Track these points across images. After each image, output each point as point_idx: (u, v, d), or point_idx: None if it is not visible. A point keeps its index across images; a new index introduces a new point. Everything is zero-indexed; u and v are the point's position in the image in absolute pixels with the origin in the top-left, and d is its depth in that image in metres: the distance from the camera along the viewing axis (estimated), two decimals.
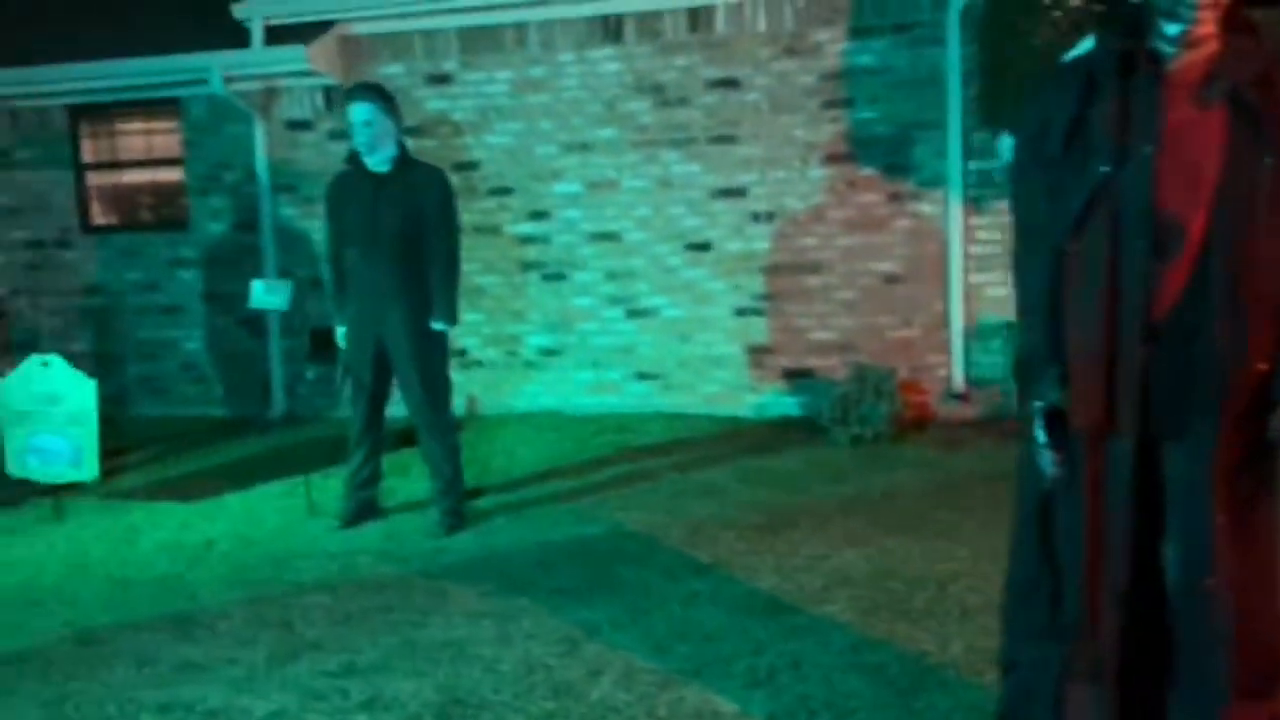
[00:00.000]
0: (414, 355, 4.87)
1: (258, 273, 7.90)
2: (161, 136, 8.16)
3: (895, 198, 6.88)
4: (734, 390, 7.25)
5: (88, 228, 8.34)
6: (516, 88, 7.42)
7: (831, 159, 6.94)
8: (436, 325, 4.93)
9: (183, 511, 5.44)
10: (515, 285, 7.60)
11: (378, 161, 4.86)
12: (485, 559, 4.46)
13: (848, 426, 6.10)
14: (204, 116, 7.95)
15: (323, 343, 7.86)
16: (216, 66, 7.32)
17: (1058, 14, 5.30)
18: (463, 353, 7.70)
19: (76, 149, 8.27)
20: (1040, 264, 2.22)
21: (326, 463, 6.01)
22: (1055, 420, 2.22)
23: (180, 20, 8.09)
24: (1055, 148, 2.16)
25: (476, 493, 5.44)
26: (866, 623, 3.56)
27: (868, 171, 6.90)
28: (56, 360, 5.31)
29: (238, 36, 7.57)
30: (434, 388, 4.95)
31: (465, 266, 7.41)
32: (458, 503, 4.99)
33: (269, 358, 8.00)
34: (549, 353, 7.59)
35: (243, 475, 6.16)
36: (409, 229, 4.84)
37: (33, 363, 5.38)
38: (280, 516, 5.30)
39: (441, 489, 4.96)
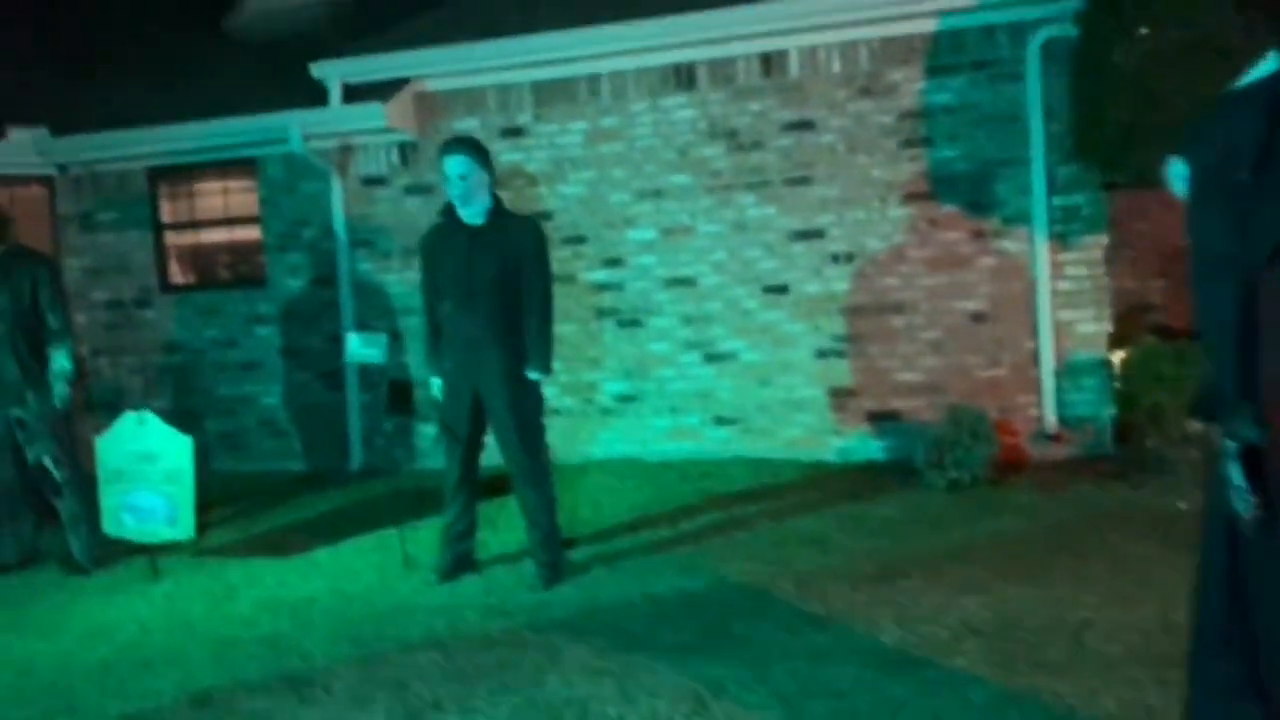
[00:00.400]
0: (510, 404, 4.84)
1: (336, 327, 7.98)
2: (239, 196, 8.27)
3: (978, 235, 6.78)
4: (817, 434, 7.14)
5: (166, 287, 8.46)
6: (590, 138, 7.45)
7: (911, 198, 6.87)
8: (532, 374, 4.90)
9: (277, 568, 5.42)
10: (591, 333, 7.58)
11: (472, 214, 4.86)
12: (592, 612, 4.38)
13: (944, 470, 5.96)
14: (281, 175, 8.06)
15: (401, 395, 7.92)
16: (295, 125, 7.42)
17: (1150, 44, 5.21)
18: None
19: (156, 210, 8.42)
20: (1227, 295, 2.12)
21: (413, 515, 6.00)
22: (1253, 460, 2.10)
23: (256, 81, 8.25)
24: (1244, 174, 2.07)
25: (570, 543, 5.37)
26: (1003, 676, 3.42)
27: (949, 209, 6.82)
28: (151, 418, 5.33)
29: (312, 95, 7.69)
30: (530, 437, 4.91)
31: None
32: (556, 554, 4.92)
33: (347, 411, 8.03)
34: (626, 399, 7.54)
35: (331, 529, 6.14)
36: (504, 279, 4.83)
37: (128, 420, 5.41)
38: (375, 571, 5.26)
39: (539, 540, 4.89)
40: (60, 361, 5.45)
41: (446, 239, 4.92)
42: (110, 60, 8.90)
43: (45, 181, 8.46)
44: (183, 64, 8.76)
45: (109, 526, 5.50)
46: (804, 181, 7.04)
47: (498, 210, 4.92)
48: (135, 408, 5.61)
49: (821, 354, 7.10)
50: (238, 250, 8.40)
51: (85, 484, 5.64)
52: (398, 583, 5.06)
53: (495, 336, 4.83)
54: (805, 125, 7.02)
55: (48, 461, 5.53)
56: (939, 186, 6.82)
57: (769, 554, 5.03)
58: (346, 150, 7.86)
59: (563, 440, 7.56)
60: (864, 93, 6.91)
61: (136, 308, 8.50)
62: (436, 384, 5.04)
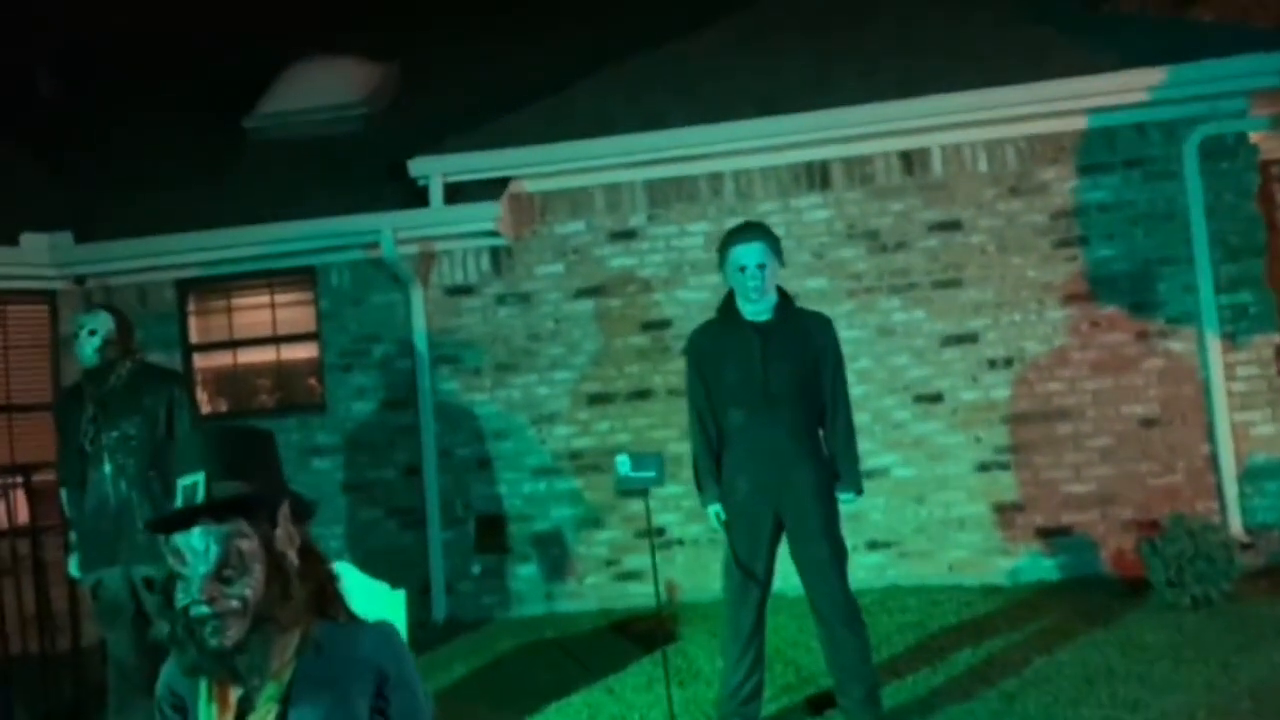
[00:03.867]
0: (825, 529, 4.09)
1: (412, 457, 6.98)
2: (290, 310, 7.25)
3: (1143, 336, 6.50)
4: (982, 555, 6.57)
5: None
6: (712, 240, 6.85)
7: (1070, 299, 6.55)
8: (845, 496, 4.18)
9: None
10: None
11: (760, 310, 4.18)
12: None
13: (1184, 588, 5.46)
14: (347, 285, 7.11)
15: (492, 530, 6.94)
16: (388, 227, 6.54)
17: None
18: (661, 532, 6.85)
19: (185, 328, 7.28)
20: None
21: (585, 673, 5.08)
22: None
23: (303, 183, 7.35)
24: None
25: (828, 700, 4.54)
26: None
27: (1110, 310, 6.53)
28: (349, 568, 4.28)
29: (366, 196, 6.83)
30: (845, 569, 4.15)
31: (658, 434, 6.75)
32: (881, 713, 4.11)
33: (428, 553, 6.95)
34: None
35: (497, 699, 5.10)
36: (804, 384, 4.13)
37: None
38: None
39: (862, 697, 4.08)
40: None
41: (729, 339, 4.20)
42: (135, 165, 7.82)
43: (46, 297, 7.20)
44: (215, 167, 7.76)
45: None
46: (954, 284, 6.64)
47: (786, 305, 4.24)
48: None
49: (983, 467, 6.59)
50: (288, 372, 7.32)
51: None
52: None
53: (802, 450, 4.10)
54: (952, 225, 6.66)
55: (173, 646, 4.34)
56: (1098, 287, 6.53)
57: (1093, 695, 4.36)
58: (428, 257, 7.01)
59: (687, 576, 6.75)
60: (1013, 192, 6.63)
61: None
62: (716, 511, 4.23)
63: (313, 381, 7.26)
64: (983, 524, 6.57)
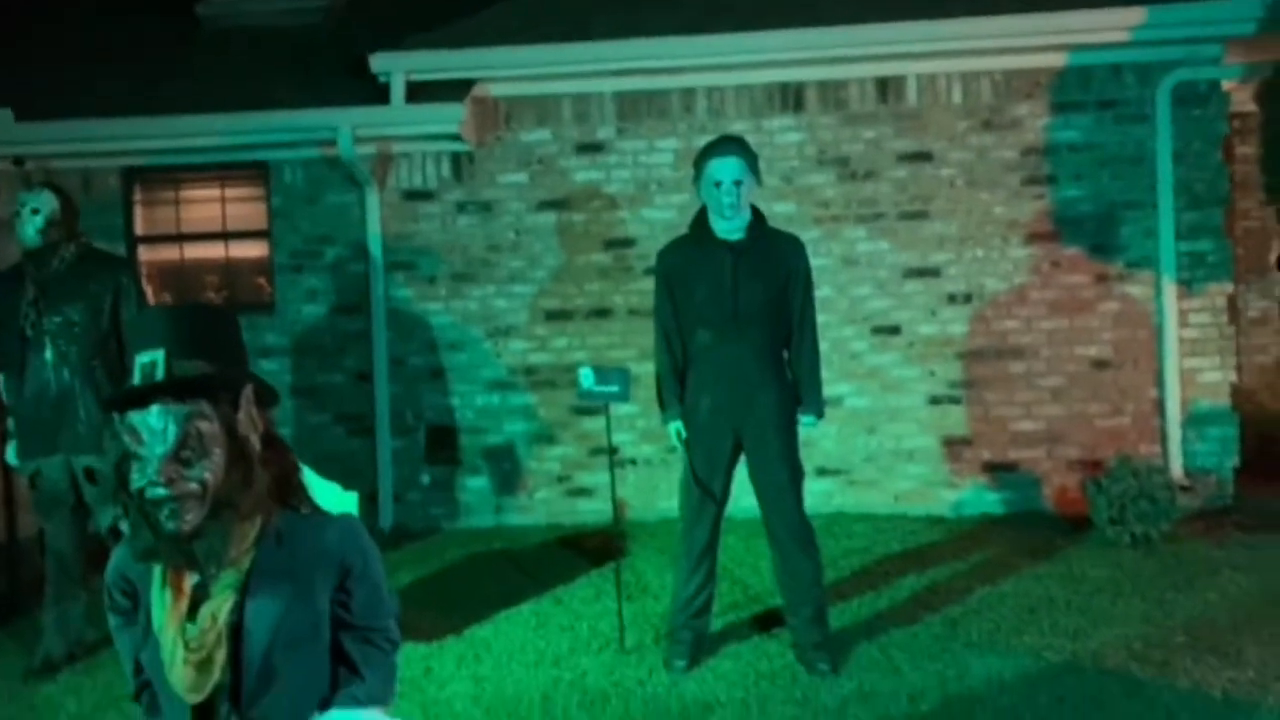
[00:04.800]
0: (784, 453, 4.08)
1: (363, 363, 6.85)
2: (241, 205, 7.01)
3: (1102, 279, 6.54)
4: (929, 486, 6.64)
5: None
6: (682, 158, 6.73)
7: (1034, 238, 6.55)
8: (807, 420, 4.16)
9: (442, 654, 4.36)
10: None
11: (733, 229, 4.09)
12: (949, 703, 3.63)
13: (1125, 526, 5.57)
14: (300, 183, 6.88)
15: (442, 442, 6.87)
16: (347, 125, 6.31)
17: None
18: (614, 451, 6.81)
19: (130, 218, 7.01)
20: None
21: (537, 584, 5.09)
22: None
23: (261, 75, 7.06)
24: None
25: (775, 619, 4.59)
26: None
27: (1072, 251, 6.55)
28: (301, 467, 4.18)
29: (320, 92, 6.57)
30: (801, 492, 4.15)
31: (617, 354, 6.69)
32: (829, 632, 4.15)
33: (376, 461, 6.86)
34: None
35: (448, 604, 5.08)
36: (773, 306, 4.08)
37: None
38: (582, 655, 4.30)
39: (811, 616, 4.11)
40: None
41: (700, 257, 4.12)
42: (82, 44, 7.46)
43: None
44: (167, 54, 7.41)
45: None
46: (920, 216, 6.61)
47: (759, 225, 4.16)
48: None
49: (935, 400, 6.64)
50: (237, 270, 7.11)
51: None
52: (626, 669, 4.13)
53: (767, 373, 4.07)
54: (923, 156, 6.60)
55: (127, 527, 4.22)
56: (1062, 227, 6.54)
57: (1034, 625, 4.45)
58: (386, 158, 6.79)
59: (638, 495, 6.75)
60: (986, 126, 6.57)
61: None
62: (677, 429, 4.19)
63: (262, 281, 7.06)
64: (931, 456, 6.64)
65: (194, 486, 1.81)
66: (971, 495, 6.60)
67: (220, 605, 1.86)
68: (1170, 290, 6.45)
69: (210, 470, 1.82)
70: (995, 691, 3.72)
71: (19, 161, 6.75)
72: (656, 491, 6.74)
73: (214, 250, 7.09)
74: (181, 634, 1.84)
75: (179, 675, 1.84)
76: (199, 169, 6.95)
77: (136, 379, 1.85)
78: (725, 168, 4.00)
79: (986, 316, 6.60)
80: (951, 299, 6.61)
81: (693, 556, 4.16)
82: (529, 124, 6.78)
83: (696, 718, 3.61)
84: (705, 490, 4.12)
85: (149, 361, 1.84)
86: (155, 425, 1.81)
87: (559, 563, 5.75)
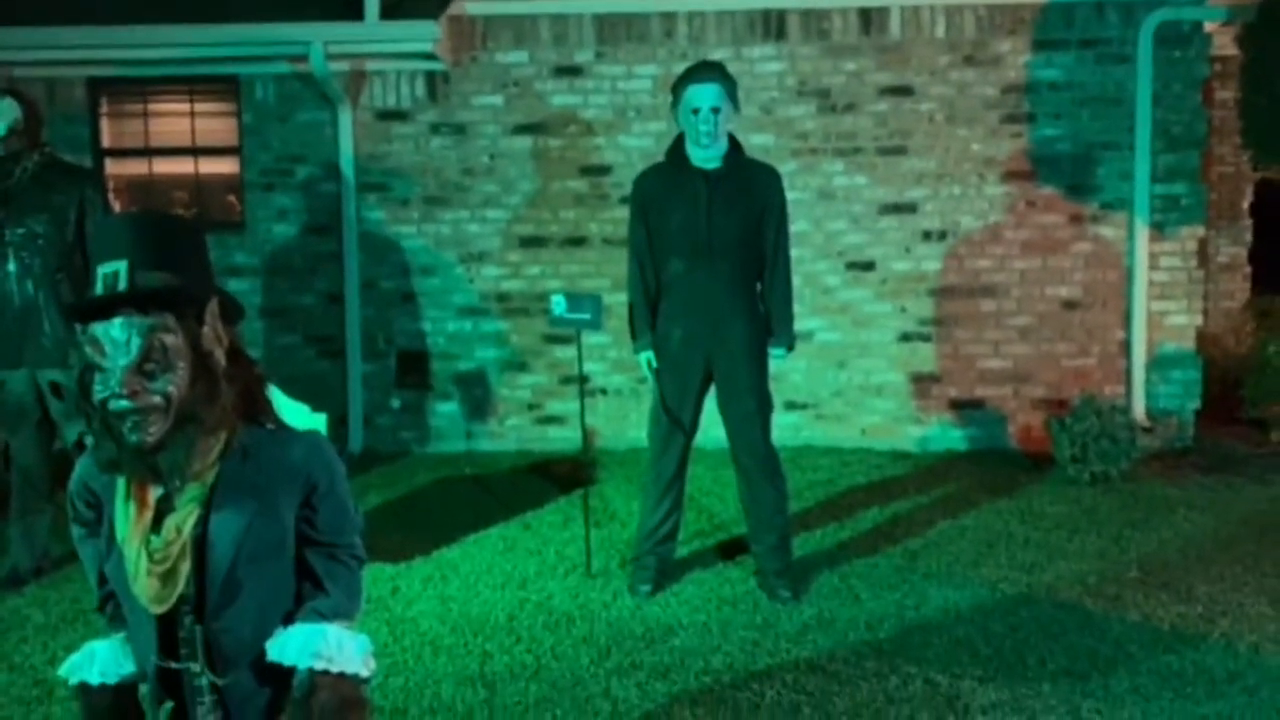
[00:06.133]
0: (753, 383, 4.10)
1: (334, 284, 6.79)
2: (211, 121, 6.87)
3: (1076, 219, 6.57)
4: (896, 422, 6.72)
5: None
6: (661, 84, 6.64)
7: (1010, 176, 6.55)
8: (777, 352, 4.18)
9: (410, 575, 4.40)
10: None
11: (709, 157, 4.06)
12: (909, 631, 3.71)
13: (1085, 464, 5.67)
14: (272, 100, 6.74)
15: (413, 366, 6.86)
16: (319, 40, 6.16)
17: None
18: (585, 379, 6.83)
19: (96, 131, 6.86)
20: None
21: (504, 508, 5.14)
22: None
23: None
24: None
25: (739, 547, 4.67)
26: None
27: (1048, 190, 6.55)
28: (272, 390, 4.16)
29: (296, 7, 6.40)
30: (769, 422, 4.19)
31: (591, 283, 6.67)
32: (791, 560, 4.22)
33: (346, 383, 6.84)
34: None
35: (416, 526, 5.12)
36: (747, 236, 4.07)
37: None
38: (548, 579, 4.36)
39: (774, 545, 4.17)
40: None
41: (675, 185, 4.09)
42: None
43: None
44: None
45: None
46: (899, 151, 6.58)
47: (736, 154, 4.13)
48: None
49: (905, 337, 6.68)
50: (207, 187, 6.99)
51: None
52: (591, 592, 4.19)
53: (738, 304, 4.07)
54: (904, 91, 6.55)
55: (90, 441, 4.20)
56: (1039, 166, 6.54)
57: (991, 558, 4.55)
58: (359, 76, 6.66)
59: (608, 424, 6.79)
60: (968, 61, 6.52)
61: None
62: (648, 358, 4.19)
63: (232, 199, 6.95)
64: (898, 392, 6.70)
65: (157, 399, 1.80)
66: (937, 432, 6.68)
67: (184, 518, 1.86)
68: (1143, 233, 6.48)
69: (174, 383, 1.80)
70: (951, 621, 3.81)
71: None
72: (626, 421, 6.78)
73: (183, 166, 6.95)
74: (145, 546, 1.85)
75: (143, 586, 1.85)
76: (168, 81, 6.79)
77: (99, 289, 1.82)
78: (704, 94, 3.95)
79: (960, 254, 6.61)
80: (926, 236, 6.62)
81: (660, 484, 4.20)
82: (506, 44, 6.66)
83: (659, 640, 3.68)
84: (674, 420, 4.14)
85: (112, 272, 1.82)
86: (118, 337, 1.79)
87: (528, 489, 5.79)
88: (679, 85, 4.05)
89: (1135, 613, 3.86)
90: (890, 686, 3.25)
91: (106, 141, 6.93)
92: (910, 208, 6.60)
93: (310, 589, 1.95)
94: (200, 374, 1.84)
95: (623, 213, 6.66)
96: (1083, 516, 5.12)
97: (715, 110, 3.97)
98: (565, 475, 6.11)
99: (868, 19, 6.53)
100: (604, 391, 6.82)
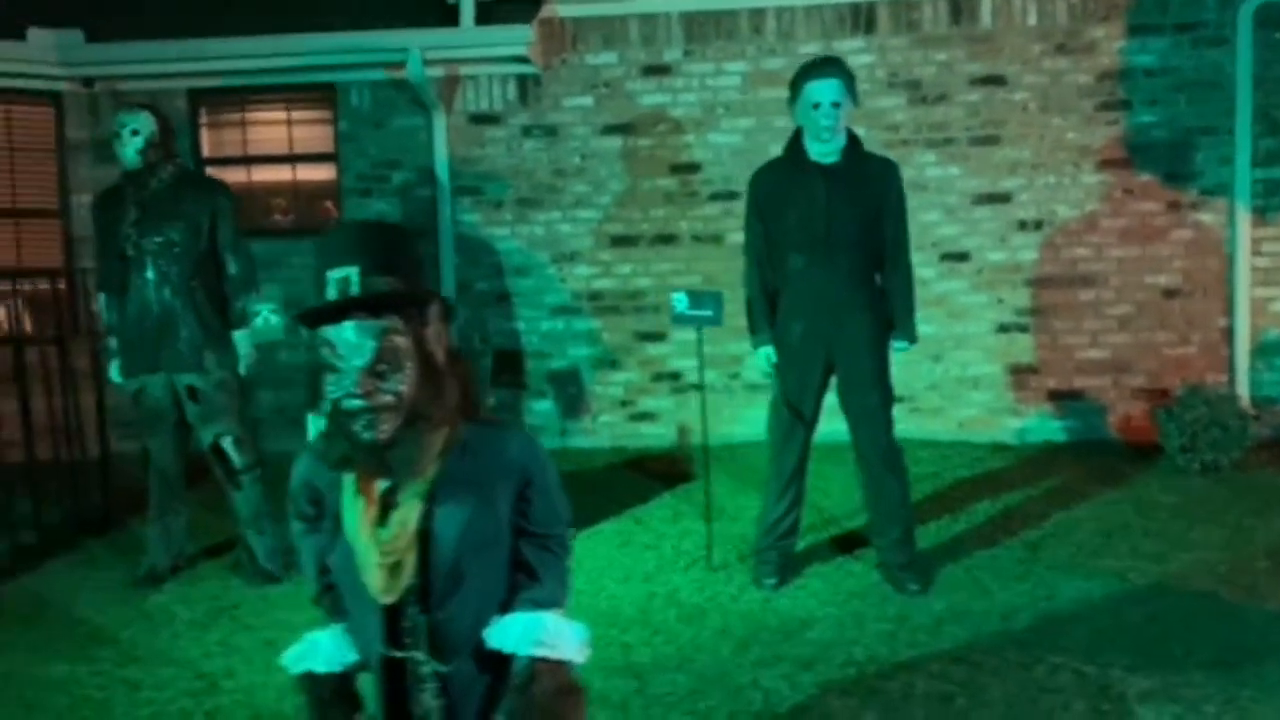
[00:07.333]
0: (876, 377, 4.13)
1: (432, 286, 6.87)
2: (308, 129, 7.02)
3: (1174, 206, 6.48)
4: (993, 414, 6.68)
5: None
6: (749, 81, 6.68)
7: (1106, 164, 6.49)
8: (899, 345, 4.19)
9: None
10: (737, 300, 6.81)
11: (829, 151, 4.08)
12: (1047, 624, 3.70)
13: (1195, 454, 5.60)
14: (367, 106, 6.86)
15: (509, 366, 6.94)
16: (417, 47, 6.27)
17: None
18: (676, 376, 6.90)
19: (196, 140, 7.03)
20: None
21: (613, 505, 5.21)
22: None
23: None
24: None
25: (857, 540, 4.69)
26: None
27: (1145, 178, 6.48)
28: None
29: (383, 13, 6.52)
30: (891, 416, 4.20)
31: (682, 280, 6.71)
32: (916, 552, 4.24)
33: None
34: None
35: None
36: (867, 230, 4.09)
37: None
38: (670, 572, 4.41)
39: (899, 538, 4.19)
40: (265, 317, 4.28)
41: (793, 181, 4.11)
42: None
43: (50, 99, 6.91)
44: None
45: None
46: (991, 141, 6.54)
47: (855, 148, 4.15)
48: None
49: (1002, 328, 6.64)
50: (304, 193, 7.14)
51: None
52: (716, 586, 4.24)
53: (859, 297, 4.09)
54: (996, 80, 6.51)
55: (228, 445, 4.34)
56: (1136, 153, 6.46)
57: (1113, 548, 4.52)
58: (453, 81, 6.77)
59: (700, 420, 6.80)
60: (1061, 49, 6.47)
61: None
62: (767, 354, 4.23)
63: (329, 205, 7.10)
64: (995, 384, 6.67)
65: (389, 399, 1.86)
66: (1035, 423, 6.64)
67: (409, 512, 1.93)
68: (1244, 218, 6.39)
69: (404, 383, 1.87)
70: (1086, 611, 3.80)
71: (88, 83, 6.77)
72: (719, 416, 6.80)
73: (281, 173, 7.11)
74: (375, 539, 1.92)
75: (373, 578, 1.92)
76: (266, 90, 6.95)
77: (332, 293, 1.89)
78: (824, 89, 3.98)
79: (1056, 244, 6.56)
80: (1022, 225, 6.57)
81: (782, 479, 4.23)
82: (595, 46, 6.73)
83: (795, 632, 3.71)
84: (795, 414, 4.17)
85: (343, 277, 1.89)
86: (351, 339, 1.86)
87: (629, 485, 5.85)
88: (798, 81, 4.08)
89: (1274, 602, 3.81)
90: (1038, 676, 3.25)
91: (206, 151, 7.10)
92: (1004, 198, 6.56)
93: (523, 579, 2.01)
94: (427, 373, 1.91)
95: (712, 209, 6.75)
96: (1198, 506, 5.07)
97: (836, 105, 3.99)
98: (662, 471, 6.17)
99: (958, 9, 6.50)
100: (697, 387, 6.85)
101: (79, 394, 5.30)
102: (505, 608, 1.99)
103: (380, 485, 1.96)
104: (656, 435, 6.84)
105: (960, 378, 6.69)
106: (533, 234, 6.86)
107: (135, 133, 4.21)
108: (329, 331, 1.89)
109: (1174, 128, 6.43)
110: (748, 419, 6.81)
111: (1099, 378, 6.60)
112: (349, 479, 1.97)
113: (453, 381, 1.97)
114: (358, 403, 1.86)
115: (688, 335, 6.61)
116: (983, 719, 3.00)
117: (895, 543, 4.18)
